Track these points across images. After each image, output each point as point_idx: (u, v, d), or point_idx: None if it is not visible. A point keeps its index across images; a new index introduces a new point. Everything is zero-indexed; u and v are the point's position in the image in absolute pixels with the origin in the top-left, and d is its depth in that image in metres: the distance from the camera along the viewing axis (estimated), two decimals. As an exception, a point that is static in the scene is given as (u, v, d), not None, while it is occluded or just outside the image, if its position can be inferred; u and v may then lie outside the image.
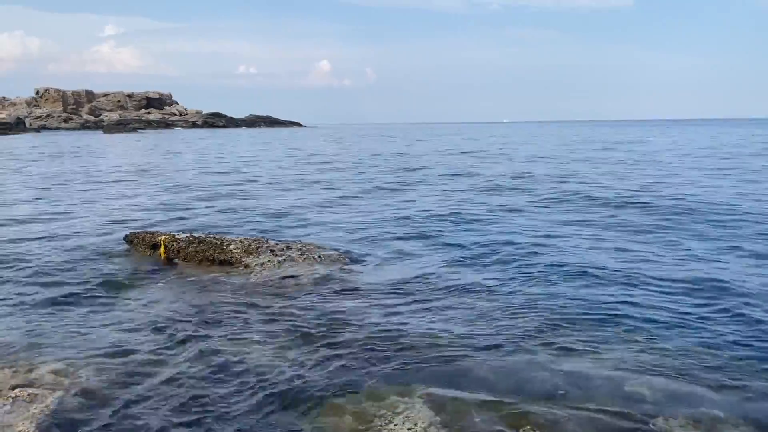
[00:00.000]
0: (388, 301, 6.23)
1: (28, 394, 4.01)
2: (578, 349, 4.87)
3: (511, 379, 4.36)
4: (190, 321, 5.64)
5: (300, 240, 9.02)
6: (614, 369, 4.48)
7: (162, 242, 8.05)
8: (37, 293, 6.58)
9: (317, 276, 7.11)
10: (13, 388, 4.10)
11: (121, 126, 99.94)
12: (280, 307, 6.01)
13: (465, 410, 3.86)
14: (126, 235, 8.91)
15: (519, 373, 4.44)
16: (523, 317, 5.66)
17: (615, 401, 4.00)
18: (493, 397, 4.05)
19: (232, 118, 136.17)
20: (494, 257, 8.05)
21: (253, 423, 3.81)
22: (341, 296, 6.44)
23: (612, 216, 11.17)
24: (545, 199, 13.74)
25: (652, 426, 3.70)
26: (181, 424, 3.80)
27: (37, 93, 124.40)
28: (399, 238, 9.44)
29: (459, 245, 8.84)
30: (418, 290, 6.60)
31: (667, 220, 10.60)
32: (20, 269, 7.60)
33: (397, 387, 4.20)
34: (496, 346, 4.94)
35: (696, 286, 6.50)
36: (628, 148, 36.19)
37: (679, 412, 3.84)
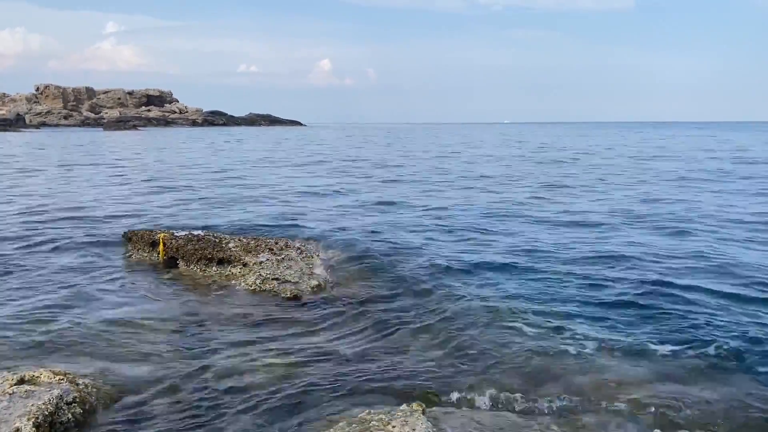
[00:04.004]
0: (386, 304, 6.21)
1: (26, 391, 4.00)
2: (573, 356, 4.87)
3: (508, 386, 4.35)
4: (186, 322, 5.64)
5: (300, 238, 9.01)
6: (618, 382, 4.43)
7: (161, 240, 8.04)
8: (38, 292, 6.58)
9: (314, 276, 7.10)
10: (11, 384, 4.09)
11: (121, 123, 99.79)
12: (275, 309, 5.99)
13: (461, 418, 3.86)
14: (125, 233, 8.90)
15: (516, 381, 4.43)
16: (522, 322, 5.66)
17: (611, 416, 3.96)
18: (490, 405, 4.04)
19: (231, 116, 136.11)
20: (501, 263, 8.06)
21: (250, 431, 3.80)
22: (337, 298, 6.42)
23: None
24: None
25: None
26: (174, 428, 3.79)
27: (37, 89, 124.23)
28: (401, 239, 9.44)
29: (464, 248, 8.83)
30: (416, 291, 6.59)
31: None
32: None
33: (394, 394, 4.19)
34: (496, 353, 4.93)
35: None
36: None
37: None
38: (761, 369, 4.52)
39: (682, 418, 3.82)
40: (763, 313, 5.70)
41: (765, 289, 6.44)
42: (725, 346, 4.85)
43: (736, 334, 5.15)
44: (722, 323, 5.41)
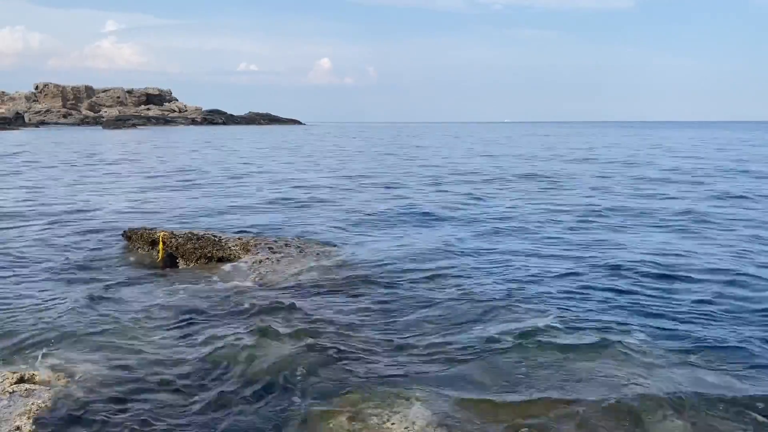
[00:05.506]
0: (385, 300, 6.22)
1: (26, 390, 4.01)
2: (578, 349, 4.88)
3: (507, 378, 4.36)
4: (185, 319, 5.63)
5: (299, 236, 9.02)
6: (615, 368, 4.48)
7: (161, 239, 8.04)
8: (37, 288, 6.59)
9: (313, 274, 7.10)
10: (11, 383, 4.10)
11: (120, 122, 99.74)
12: (274, 307, 5.99)
13: (463, 410, 3.87)
14: (124, 231, 8.89)
15: (515, 373, 4.44)
16: (520, 313, 5.67)
17: (612, 400, 4.01)
18: (490, 398, 4.06)
19: (231, 115, 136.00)
20: (488, 256, 8.07)
21: (250, 423, 3.81)
22: (336, 294, 6.43)
23: None
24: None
25: (648, 426, 3.71)
26: (173, 422, 3.80)
27: (37, 88, 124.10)
28: (400, 235, 9.45)
29: (463, 243, 8.85)
30: (416, 287, 6.60)
31: None
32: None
33: (394, 386, 4.20)
34: (495, 345, 4.95)
35: None
36: None
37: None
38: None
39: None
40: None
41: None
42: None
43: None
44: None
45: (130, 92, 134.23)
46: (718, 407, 3.92)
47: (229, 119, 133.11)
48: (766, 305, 5.95)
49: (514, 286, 6.67)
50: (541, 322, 5.48)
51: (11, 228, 10.10)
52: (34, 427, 3.60)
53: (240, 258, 7.70)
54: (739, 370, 4.51)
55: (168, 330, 5.35)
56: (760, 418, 3.81)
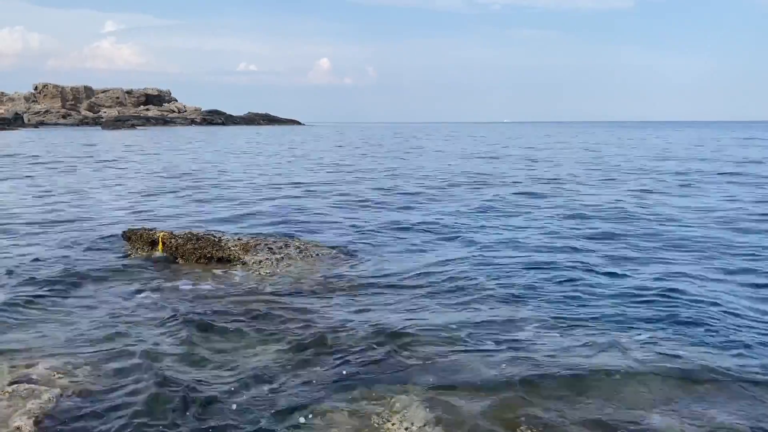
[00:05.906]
0: (385, 299, 6.24)
1: (25, 390, 4.01)
2: (574, 345, 4.90)
3: (507, 376, 4.37)
4: (185, 319, 5.63)
5: (299, 237, 9.03)
6: (611, 365, 4.49)
7: (160, 239, 8.04)
8: (37, 288, 6.58)
9: (313, 274, 7.12)
10: (11, 383, 4.10)
11: (120, 123, 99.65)
12: (275, 306, 6.00)
13: (461, 408, 3.88)
14: (124, 232, 8.90)
15: (515, 371, 4.46)
16: (519, 311, 5.69)
17: (612, 397, 4.02)
18: (490, 394, 4.07)
19: (230, 115, 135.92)
20: (488, 254, 8.08)
21: (250, 421, 3.82)
22: (337, 294, 6.44)
23: None
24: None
25: (647, 423, 3.72)
26: (172, 420, 3.80)
27: (36, 88, 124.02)
28: (397, 235, 9.45)
29: (457, 241, 8.86)
30: (414, 287, 6.61)
31: None
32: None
33: (394, 386, 4.21)
34: (494, 342, 4.96)
35: None
36: None
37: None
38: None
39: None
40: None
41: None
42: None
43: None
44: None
45: (129, 93, 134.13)
46: (713, 401, 3.94)
47: (229, 119, 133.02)
48: (763, 305, 5.98)
49: (513, 287, 6.69)
50: (539, 321, 5.51)
51: (10, 228, 10.09)
52: (34, 427, 3.60)
53: (240, 258, 7.70)
54: (734, 363, 4.52)
55: (166, 330, 5.35)
56: (757, 406, 3.82)
